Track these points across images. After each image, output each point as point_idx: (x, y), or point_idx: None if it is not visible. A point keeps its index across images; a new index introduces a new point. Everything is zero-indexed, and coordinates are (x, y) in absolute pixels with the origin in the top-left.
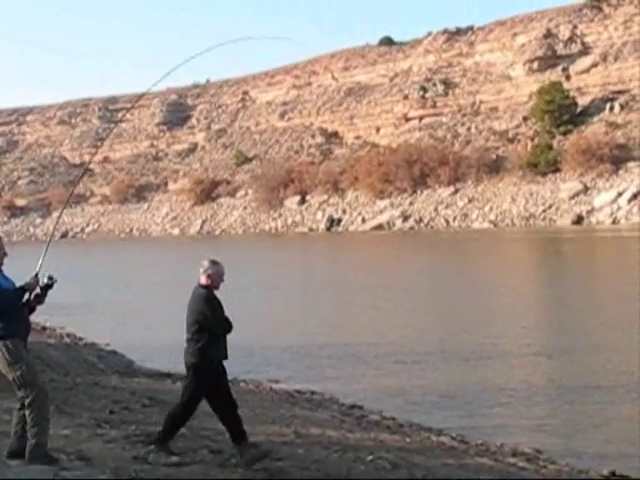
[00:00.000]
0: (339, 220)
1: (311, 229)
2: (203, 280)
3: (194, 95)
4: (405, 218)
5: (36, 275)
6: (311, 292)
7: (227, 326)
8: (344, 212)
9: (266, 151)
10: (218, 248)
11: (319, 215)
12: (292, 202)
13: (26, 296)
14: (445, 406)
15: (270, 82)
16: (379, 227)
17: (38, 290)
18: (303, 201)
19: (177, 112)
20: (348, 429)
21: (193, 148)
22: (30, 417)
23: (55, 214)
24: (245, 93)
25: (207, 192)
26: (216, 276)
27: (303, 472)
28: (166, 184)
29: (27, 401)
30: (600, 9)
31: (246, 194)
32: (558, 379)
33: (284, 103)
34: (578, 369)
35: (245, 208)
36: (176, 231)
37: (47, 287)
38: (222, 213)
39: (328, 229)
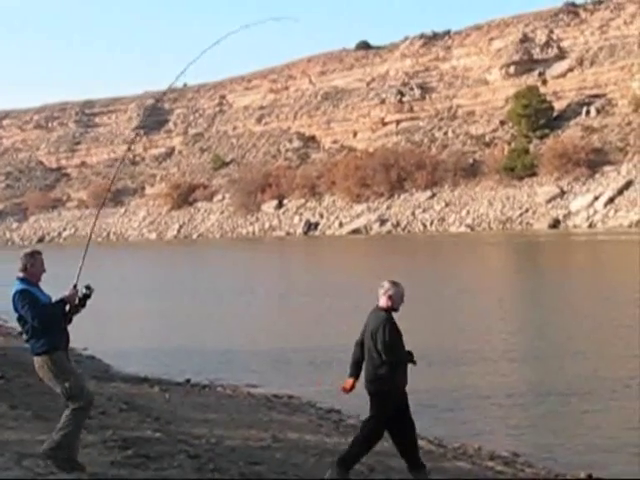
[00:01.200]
0: (316, 224)
1: (288, 233)
2: (383, 302)
3: (171, 99)
4: (382, 222)
5: (75, 286)
6: (289, 296)
7: (405, 356)
8: (321, 216)
9: (243, 155)
10: (196, 253)
11: (296, 219)
12: (269, 206)
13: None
14: (423, 410)
15: (247, 86)
16: (356, 231)
17: (77, 301)
18: (280, 205)
19: (154, 116)
20: (326, 433)
21: (170, 152)
22: (67, 419)
23: (32, 218)
24: (222, 97)
25: (184, 196)
26: (397, 297)
27: (281, 476)
28: (143, 188)
29: (72, 406)
30: (576, 14)
31: (223, 198)
32: (538, 384)
33: (261, 107)
34: (558, 374)
35: (222, 212)
36: (153, 235)
37: (85, 297)
38: (199, 217)
39: (305, 233)
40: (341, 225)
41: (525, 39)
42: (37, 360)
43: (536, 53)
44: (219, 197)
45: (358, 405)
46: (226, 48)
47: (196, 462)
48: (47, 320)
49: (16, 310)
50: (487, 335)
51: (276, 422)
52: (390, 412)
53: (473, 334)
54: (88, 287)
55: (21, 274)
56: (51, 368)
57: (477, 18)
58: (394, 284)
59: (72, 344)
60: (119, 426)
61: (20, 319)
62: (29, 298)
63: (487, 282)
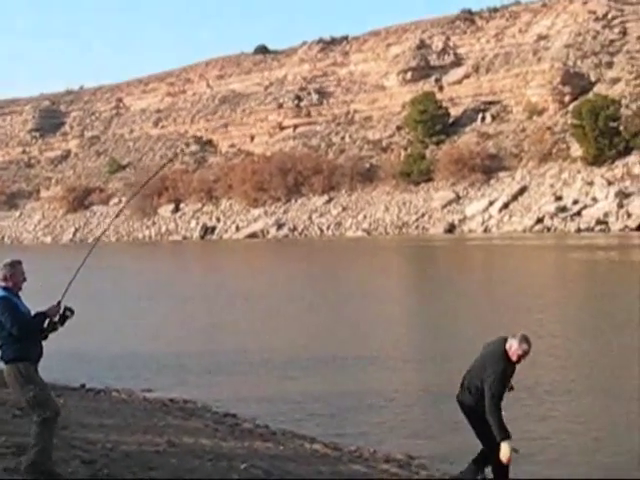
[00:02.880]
0: (213, 228)
1: (185, 237)
2: (513, 355)
3: (67, 102)
4: (279, 226)
5: (58, 303)
6: (185, 301)
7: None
8: (218, 220)
9: (140, 159)
10: (91, 256)
11: (193, 223)
12: (166, 210)
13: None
14: (319, 414)
15: (144, 89)
16: (253, 235)
17: (57, 318)
18: (177, 209)
19: (50, 118)
20: (221, 437)
21: (66, 155)
22: (36, 434)
23: None
24: (119, 100)
25: (80, 200)
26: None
27: None
28: (38, 191)
29: (37, 419)
30: (472, 21)
31: (119, 202)
32: (433, 386)
33: (158, 111)
34: (454, 375)
35: (118, 216)
36: (48, 239)
37: (65, 318)
38: (95, 221)
39: (202, 237)
40: (238, 229)
41: (422, 45)
42: (6, 368)
43: (433, 60)
44: (115, 201)
45: (254, 410)
46: (123, 50)
47: (90, 468)
48: (25, 329)
49: None
50: (383, 340)
51: (172, 427)
52: None
53: (368, 339)
54: (70, 309)
55: (2, 283)
56: (18, 377)
57: (375, 24)
58: (525, 340)
59: None
60: (12, 432)
61: None
62: (9, 306)
63: (384, 285)
